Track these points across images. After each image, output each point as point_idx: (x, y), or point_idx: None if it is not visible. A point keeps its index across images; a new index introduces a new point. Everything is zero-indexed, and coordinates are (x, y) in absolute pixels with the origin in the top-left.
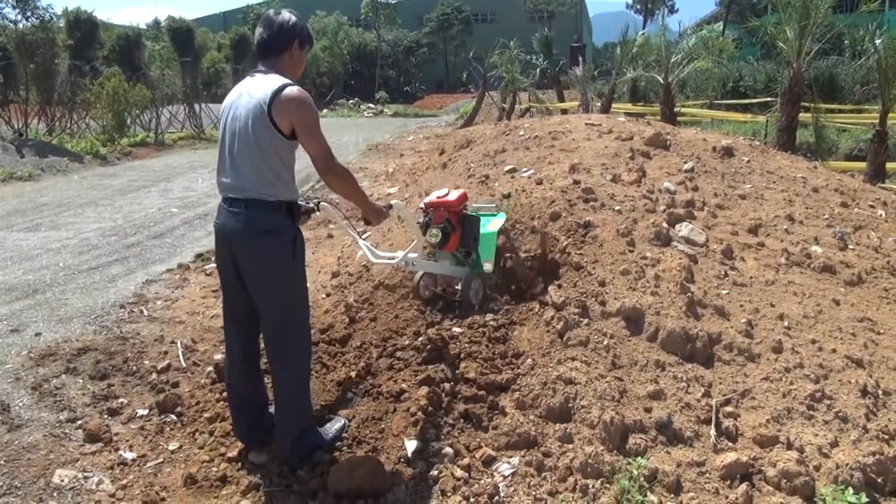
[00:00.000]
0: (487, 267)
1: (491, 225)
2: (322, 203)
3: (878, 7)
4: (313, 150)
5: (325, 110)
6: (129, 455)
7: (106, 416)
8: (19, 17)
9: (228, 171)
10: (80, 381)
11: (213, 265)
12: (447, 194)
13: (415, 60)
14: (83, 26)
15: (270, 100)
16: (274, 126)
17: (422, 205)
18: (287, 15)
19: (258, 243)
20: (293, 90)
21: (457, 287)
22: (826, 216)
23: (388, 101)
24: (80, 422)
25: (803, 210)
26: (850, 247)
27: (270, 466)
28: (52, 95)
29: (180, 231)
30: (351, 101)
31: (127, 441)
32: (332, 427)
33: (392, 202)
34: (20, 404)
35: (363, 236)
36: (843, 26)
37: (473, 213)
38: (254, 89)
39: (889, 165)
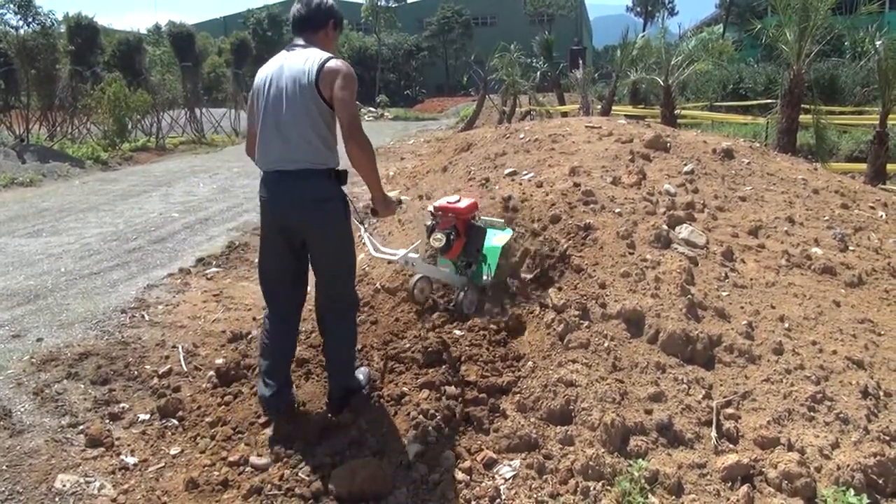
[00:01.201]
0: (486, 280)
1: (496, 239)
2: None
3: (878, 8)
4: (345, 115)
5: None
6: (131, 460)
7: (107, 421)
8: (21, 22)
9: (276, 143)
10: (82, 386)
11: (215, 269)
12: (458, 201)
13: (415, 64)
14: (84, 32)
15: (318, 70)
16: (320, 95)
17: (431, 207)
18: None
19: (317, 211)
20: (338, 61)
21: (452, 296)
22: (826, 218)
23: (388, 105)
24: (81, 427)
25: (804, 212)
26: (851, 248)
27: (272, 470)
28: (54, 101)
29: (181, 236)
30: None
31: (128, 446)
32: (363, 375)
33: (402, 197)
34: (22, 410)
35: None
36: (844, 28)
37: (480, 226)
38: (296, 62)
39: (889, 167)
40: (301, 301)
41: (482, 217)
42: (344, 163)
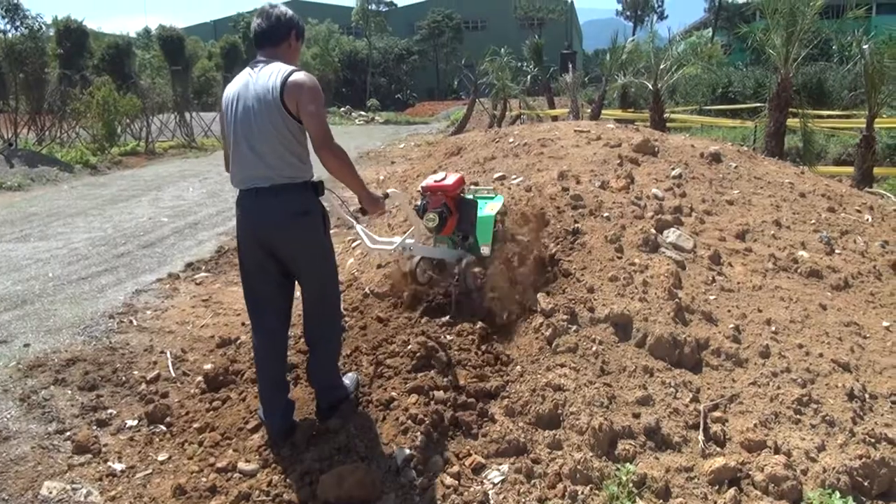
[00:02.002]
0: (485, 250)
1: (488, 208)
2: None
3: (865, 13)
4: (313, 128)
5: None
6: (118, 466)
7: (95, 428)
8: (8, 26)
9: (249, 161)
10: (69, 392)
11: (204, 274)
12: (444, 178)
13: (406, 68)
14: (73, 35)
15: (281, 85)
16: (286, 110)
17: (419, 188)
18: (283, 7)
19: (295, 225)
20: (301, 74)
21: (454, 272)
22: (813, 221)
23: (379, 109)
24: (68, 433)
25: (790, 215)
26: (837, 251)
27: (260, 476)
28: (42, 105)
29: (170, 240)
30: (342, 109)
31: (116, 452)
32: (350, 381)
33: (388, 190)
34: (8, 416)
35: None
36: (831, 32)
37: (470, 198)
38: (261, 78)
39: (876, 170)
40: (287, 316)
41: (471, 187)
42: (319, 171)
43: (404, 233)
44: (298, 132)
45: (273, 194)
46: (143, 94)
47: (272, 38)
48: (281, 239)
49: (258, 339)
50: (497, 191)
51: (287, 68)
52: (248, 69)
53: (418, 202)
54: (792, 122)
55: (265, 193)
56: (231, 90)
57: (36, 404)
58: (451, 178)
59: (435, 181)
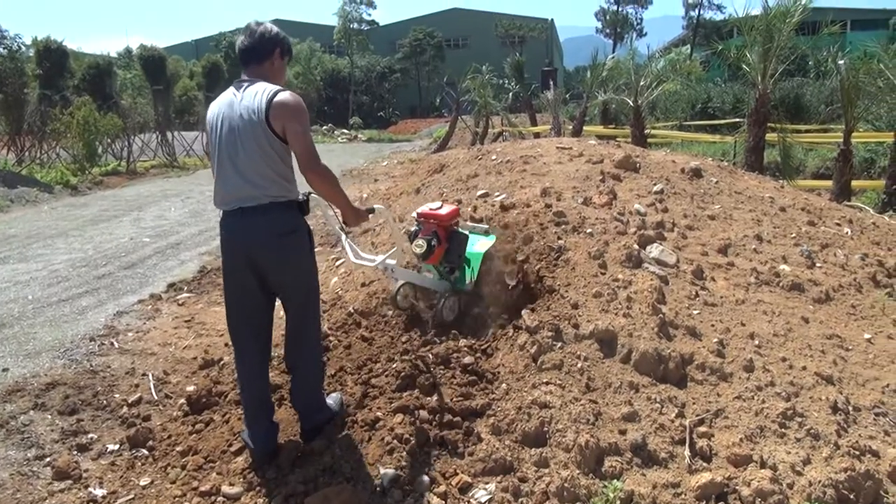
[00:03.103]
0: (469, 287)
1: (479, 245)
2: (312, 195)
3: (839, 29)
4: (299, 148)
5: None
6: (100, 492)
7: (75, 453)
8: None
9: (234, 181)
10: (49, 416)
11: (186, 295)
12: (440, 207)
13: (388, 86)
14: (53, 56)
15: (267, 105)
16: (272, 131)
17: (415, 213)
18: (268, 25)
19: (282, 244)
20: (286, 94)
21: (433, 301)
22: (793, 235)
23: (361, 127)
24: (48, 459)
25: (771, 229)
26: (818, 265)
27: (244, 499)
28: (22, 125)
29: (152, 261)
30: (325, 127)
31: (97, 477)
32: (335, 401)
33: (374, 206)
34: None
35: (342, 262)
36: (807, 48)
37: (462, 231)
38: (246, 98)
39: (854, 183)
40: (269, 339)
41: (466, 222)
42: (304, 186)
43: (388, 251)
44: (283, 152)
45: (259, 213)
46: (124, 114)
47: (257, 55)
48: (268, 258)
49: (241, 361)
50: (490, 230)
51: (272, 88)
52: (232, 88)
53: (413, 227)
54: (771, 136)
55: (251, 213)
56: (215, 110)
57: (15, 430)
58: (446, 209)
59: (430, 209)
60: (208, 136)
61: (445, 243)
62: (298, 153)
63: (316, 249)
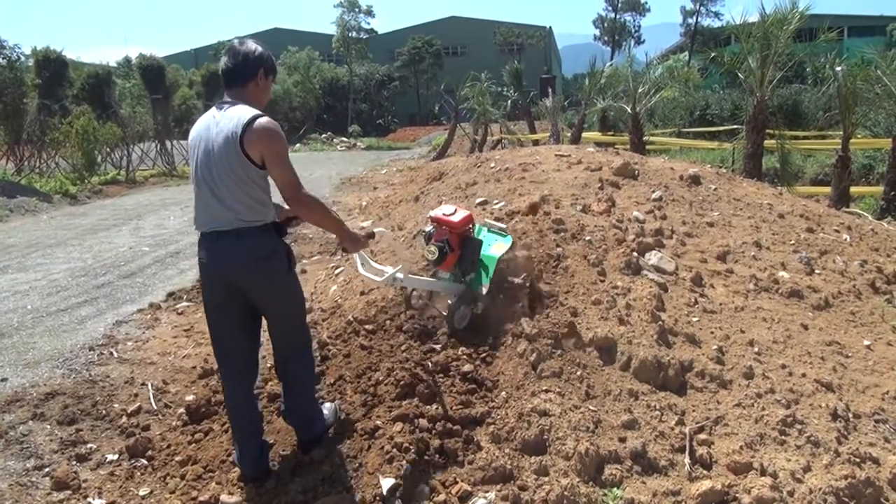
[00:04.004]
0: (483, 290)
1: (494, 248)
2: None
3: (837, 36)
4: (280, 180)
5: (297, 145)
6: (99, 502)
7: (74, 463)
8: None
9: (211, 205)
10: (48, 426)
11: (185, 304)
12: (453, 213)
13: (387, 94)
14: (52, 65)
15: (242, 131)
16: (247, 157)
17: (430, 214)
18: (252, 45)
19: (259, 268)
20: (262, 121)
21: (447, 303)
22: (792, 242)
23: (360, 135)
24: (47, 469)
25: (770, 236)
26: (817, 271)
27: None
28: (21, 135)
29: (151, 270)
30: (324, 136)
31: (96, 488)
32: (329, 411)
33: (376, 230)
34: None
35: (341, 270)
36: (804, 55)
37: (476, 238)
38: (223, 121)
39: (853, 190)
40: (255, 359)
41: (486, 221)
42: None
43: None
44: (259, 178)
45: (234, 237)
46: (123, 123)
47: (239, 77)
48: (246, 281)
49: (227, 383)
50: (507, 231)
51: (249, 113)
52: (213, 109)
53: (427, 227)
54: (769, 143)
55: (226, 237)
56: (195, 132)
57: (14, 440)
58: (459, 216)
59: (443, 214)
60: (189, 158)
61: (458, 250)
62: (280, 184)
63: (315, 257)
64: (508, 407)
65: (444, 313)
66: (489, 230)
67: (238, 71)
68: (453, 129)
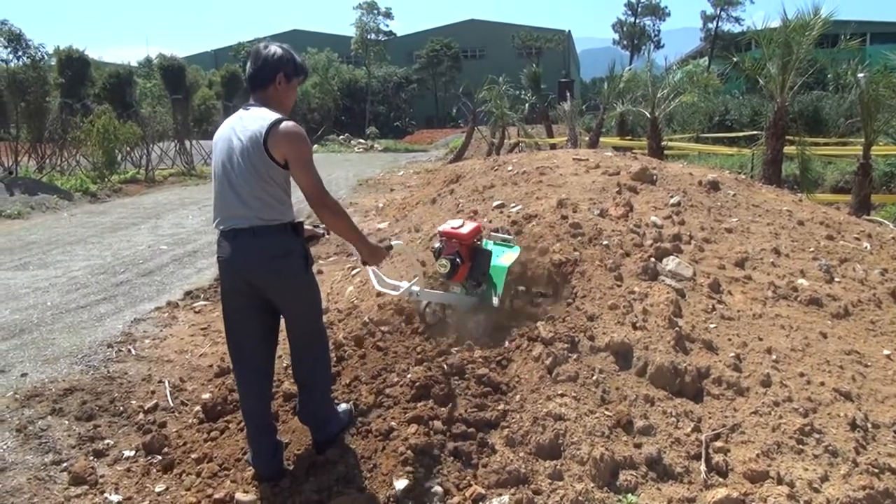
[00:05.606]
0: (496, 301)
1: (503, 258)
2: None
3: (859, 43)
4: (305, 184)
5: (315, 146)
6: (115, 498)
7: (92, 458)
8: (11, 56)
9: (230, 202)
10: (66, 422)
11: (203, 303)
12: (461, 226)
13: (405, 96)
14: (74, 65)
15: (266, 133)
16: (270, 157)
17: (438, 230)
18: (274, 48)
19: (275, 267)
20: (288, 125)
21: (462, 314)
22: (812, 249)
23: (378, 137)
24: (65, 464)
25: (789, 243)
26: (837, 279)
27: None
28: (43, 133)
29: (170, 268)
30: (341, 137)
31: (113, 483)
32: (344, 412)
33: (392, 242)
34: (4, 447)
35: (357, 271)
36: (826, 61)
37: (485, 248)
38: (248, 122)
39: (874, 197)
40: (272, 357)
41: (494, 231)
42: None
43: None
44: (281, 178)
45: (252, 235)
46: (143, 123)
47: (260, 81)
48: (263, 280)
49: (242, 382)
50: (515, 241)
51: (272, 118)
52: (240, 110)
53: (436, 244)
54: (789, 149)
55: (244, 235)
56: (220, 132)
57: (33, 435)
58: (468, 227)
59: (452, 227)
60: (211, 156)
61: (469, 261)
62: (305, 189)
63: (332, 258)
64: (523, 410)
65: (457, 329)
66: (495, 243)
67: (258, 75)
68: (471, 132)
